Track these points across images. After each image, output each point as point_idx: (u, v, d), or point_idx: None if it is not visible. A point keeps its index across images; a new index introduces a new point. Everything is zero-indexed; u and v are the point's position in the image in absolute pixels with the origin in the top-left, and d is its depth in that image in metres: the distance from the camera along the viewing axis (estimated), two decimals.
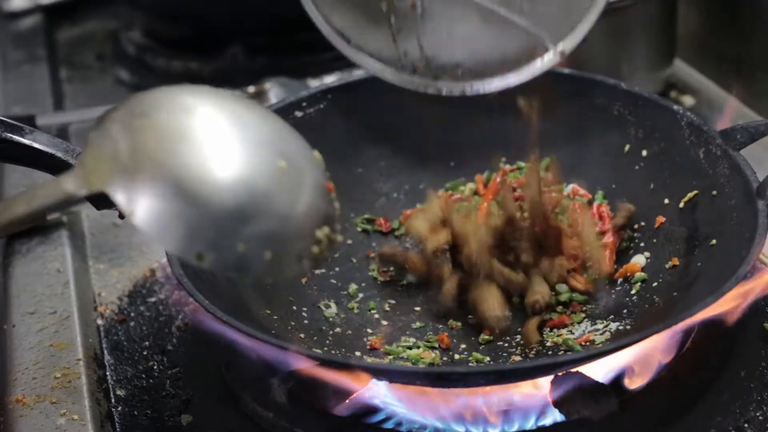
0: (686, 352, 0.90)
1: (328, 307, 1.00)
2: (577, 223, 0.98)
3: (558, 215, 0.99)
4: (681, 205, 0.98)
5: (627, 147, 1.05)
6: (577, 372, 0.83)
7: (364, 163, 1.11)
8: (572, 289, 0.97)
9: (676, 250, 0.97)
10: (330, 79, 1.41)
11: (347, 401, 0.85)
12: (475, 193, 1.09)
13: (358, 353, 0.94)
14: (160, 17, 1.64)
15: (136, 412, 0.92)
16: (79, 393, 0.91)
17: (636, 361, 0.85)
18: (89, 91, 1.57)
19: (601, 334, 0.93)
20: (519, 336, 0.94)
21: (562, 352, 0.91)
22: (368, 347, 0.95)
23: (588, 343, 0.91)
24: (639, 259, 0.99)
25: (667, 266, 0.96)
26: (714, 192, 0.95)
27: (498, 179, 1.06)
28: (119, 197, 0.71)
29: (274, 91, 1.36)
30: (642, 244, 1.00)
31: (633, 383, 0.85)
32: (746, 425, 0.85)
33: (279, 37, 1.54)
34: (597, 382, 0.83)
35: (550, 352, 0.91)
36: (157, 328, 1.03)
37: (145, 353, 1.00)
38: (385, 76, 1.07)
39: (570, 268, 0.97)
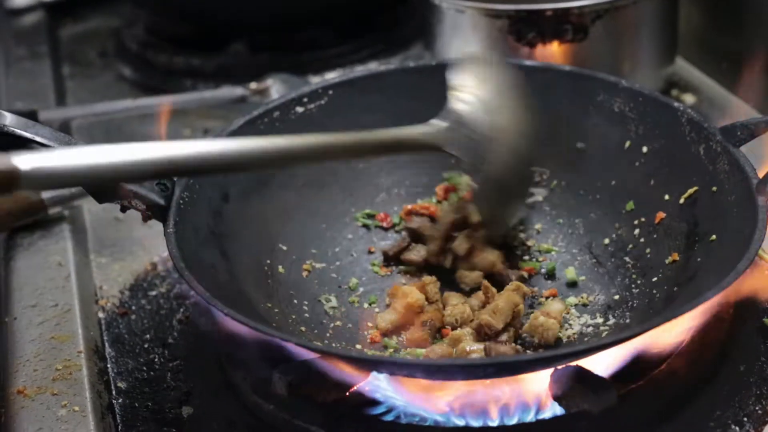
0: (686, 346, 0.90)
1: (328, 300, 1.00)
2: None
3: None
4: (681, 201, 0.99)
5: (628, 143, 1.05)
6: (577, 365, 0.83)
7: (365, 160, 1.11)
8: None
9: (676, 246, 0.97)
10: (331, 76, 1.42)
11: (347, 394, 0.86)
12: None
13: (358, 346, 0.94)
14: (162, 14, 1.64)
15: (136, 404, 0.93)
16: (80, 385, 0.91)
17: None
18: (91, 87, 1.57)
19: (600, 328, 0.93)
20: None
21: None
22: (368, 340, 0.95)
23: (587, 337, 0.92)
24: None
25: (667, 261, 0.97)
26: (714, 188, 0.95)
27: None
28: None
29: (276, 88, 1.37)
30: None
31: None
32: (745, 419, 0.86)
33: (281, 34, 1.55)
34: (597, 376, 0.83)
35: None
36: (158, 321, 1.03)
37: (146, 346, 1.00)
38: None
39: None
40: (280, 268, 1.01)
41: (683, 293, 0.90)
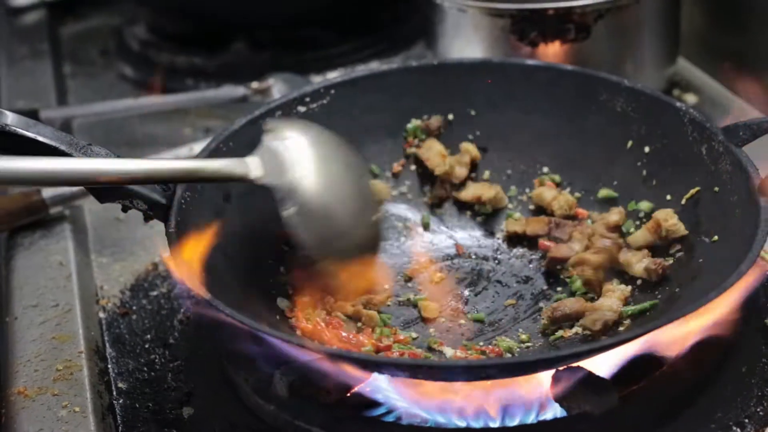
0: (687, 347, 0.90)
1: None
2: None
3: None
4: (683, 201, 0.98)
5: (629, 143, 1.05)
6: (579, 366, 0.83)
7: (367, 158, 1.11)
8: None
9: (678, 246, 0.97)
10: (333, 75, 1.42)
11: (348, 394, 0.85)
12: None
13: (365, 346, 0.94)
14: (164, 13, 1.64)
15: (137, 405, 0.93)
16: (81, 385, 0.91)
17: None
18: (93, 86, 1.57)
19: None
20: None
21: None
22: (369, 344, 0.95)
23: (590, 338, 0.92)
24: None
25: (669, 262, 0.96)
26: (716, 188, 0.95)
27: None
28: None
29: (278, 87, 1.37)
30: None
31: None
32: (747, 420, 0.85)
33: (283, 33, 1.55)
34: (598, 377, 0.83)
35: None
36: (158, 321, 1.03)
37: (146, 346, 1.00)
38: None
39: None
40: (282, 269, 1.01)
41: (685, 294, 0.90)
